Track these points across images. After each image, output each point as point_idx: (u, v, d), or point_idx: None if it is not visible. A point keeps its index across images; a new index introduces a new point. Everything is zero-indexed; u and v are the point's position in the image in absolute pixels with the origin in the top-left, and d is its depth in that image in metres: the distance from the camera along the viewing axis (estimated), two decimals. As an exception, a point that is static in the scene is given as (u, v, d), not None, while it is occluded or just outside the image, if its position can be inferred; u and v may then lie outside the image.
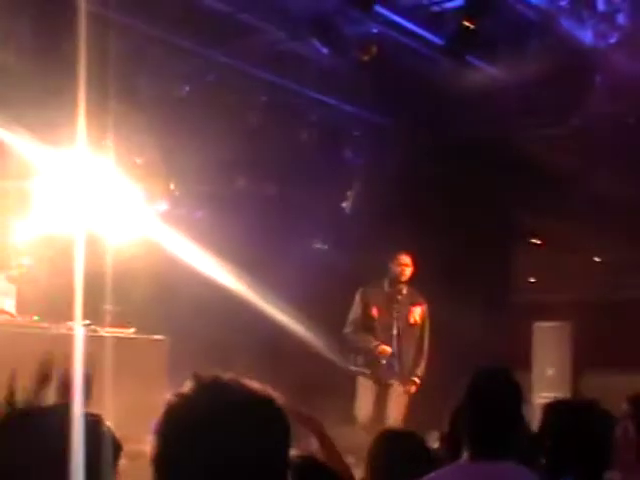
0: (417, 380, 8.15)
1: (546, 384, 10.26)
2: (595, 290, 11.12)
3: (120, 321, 8.00)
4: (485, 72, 8.17)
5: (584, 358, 10.39)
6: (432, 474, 3.26)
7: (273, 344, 8.65)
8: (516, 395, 3.33)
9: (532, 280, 11.84)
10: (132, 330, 8.04)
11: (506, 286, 11.64)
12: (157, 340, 8.07)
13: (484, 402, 3.26)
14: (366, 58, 7.40)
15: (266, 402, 1.61)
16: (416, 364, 8.17)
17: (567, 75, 8.20)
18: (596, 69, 8.04)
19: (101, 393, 7.30)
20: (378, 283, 8.25)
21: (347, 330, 8.18)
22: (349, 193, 9.56)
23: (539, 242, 11.53)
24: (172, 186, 8.81)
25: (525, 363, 10.33)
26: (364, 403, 7.94)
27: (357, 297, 8.24)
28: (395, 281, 8.13)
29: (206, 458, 1.53)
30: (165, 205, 9.09)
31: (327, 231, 8.42)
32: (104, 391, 7.35)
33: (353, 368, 8.05)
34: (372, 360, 8.00)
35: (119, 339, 7.84)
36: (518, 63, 8.11)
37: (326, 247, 8.97)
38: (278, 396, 1.64)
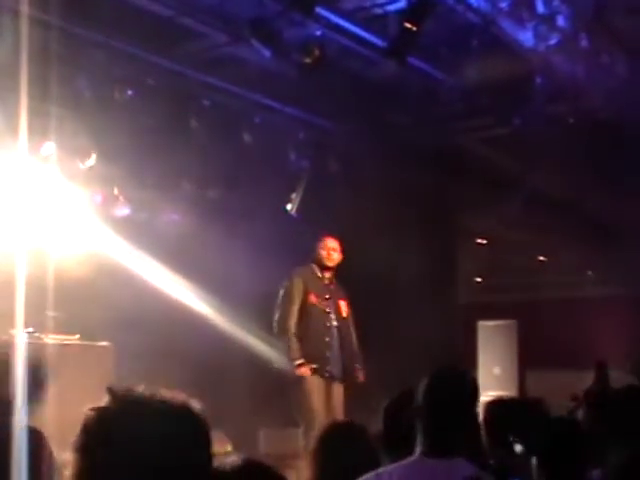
0: (360, 367, 7.90)
1: (493, 383, 10.41)
2: (540, 289, 11.31)
3: (64, 328, 7.97)
4: (428, 74, 8.27)
5: (530, 357, 10.55)
6: (385, 469, 3.35)
7: (218, 350, 8.65)
8: (472, 394, 3.45)
9: (478, 280, 12.00)
10: (76, 337, 8.01)
11: (452, 286, 11.78)
12: (102, 347, 8.05)
13: (440, 401, 3.36)
14: (309, 61, 7.39)
15: (182, 413, 1.62)
16: (356, 357, 7.92)
17: (509, 77, 8.32)
18: (537, 71, 8.16)
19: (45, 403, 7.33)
20: (308, 268, 7.95)
21: (290, 323, 7.69)
22: (293, 195, 9.58)
23: (484, 242, 11.69)
24: (116, 191, 8.79)
25: (471, 362, 10.48)
26: (315, 402, 7.55)
27: (295, 281, 7.82)
28: (323, 266, 7.89)
29: (123, 472, 1.55)
30: (125, 210, 9.10)
31: (272, 234, 8.42)
32: (47, 399, 7.37)
33: (297, 362, 7.57)
34: (317, 353, 7.67)
35: (63, 346, 7.81)
36: (460, 65, 8.23)
37: (270, 250, 8.97)
38: (198, 406, 1.65)
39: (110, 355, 7.99)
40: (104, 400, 1.62)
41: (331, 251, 7.90)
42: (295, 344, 7.62)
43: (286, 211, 9.61)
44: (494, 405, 4.88)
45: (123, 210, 8.86)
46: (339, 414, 7.55)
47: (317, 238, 8.01)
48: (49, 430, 7.09)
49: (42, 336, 7.82)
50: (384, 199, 9.72)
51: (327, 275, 7.93)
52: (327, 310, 7.82)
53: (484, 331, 10.85)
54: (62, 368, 7.59)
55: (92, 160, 8.11)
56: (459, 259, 11.97)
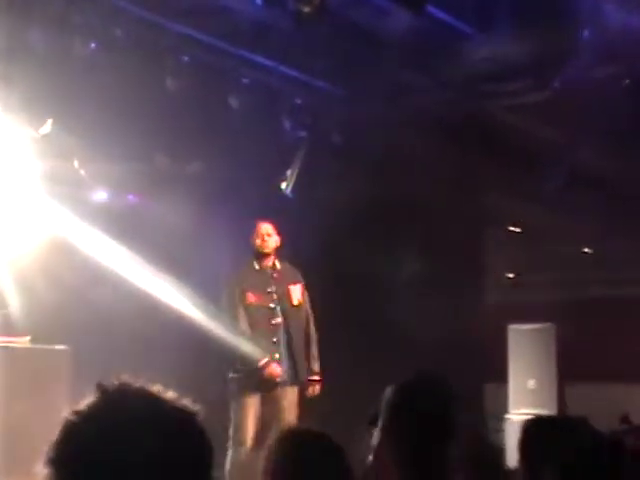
0: (318, 378, 8.15)
1: (526, 398, 10.34)
2: (584, 287, 11.25)
3: (13, 329, 7.94)
4: (449, 27, 8.22)
5: (570, 367, 10.48)
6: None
7: (197, 356, 8.64)
8: (446, 408, 3.38)
9: (509, 275, 11.95)
10: (27, 339, 7.98)
11: (478, 282, 11.74)
12: (57, 350, 8.01)
13: (409, 420, 3.33)
14: (307, 10, 7.36)
15: (180, 413, 1.66)
16: (311, 358, 8.17)
17: (548, 31, 8.26)
18: (583, 22, 8.10)
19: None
20: (246, 265, 8.22)
21: (242, 326, 7.99)
22: (289, 172, 9.55)
23: (517, 230, 11.64)
24: (76, 164, 8.75)
25: (500, 374, 10.41)
26: (249, 418, 7.85)
27: (229, 286, 8.13)
28: (260, 254, 8.15)
29: None
30: (102, 195, 9.09)
31: (262, 216, 8.40)
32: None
33: (263, 362, 7.86)
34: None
35: (11, 349, 7.78)
36: (489, 16, 8.17)
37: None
38: (194, 407, 1.69)
39: (66, 360, 7.95)
40: (63, 413, 1.62)
41: (265, 237, 8.13)
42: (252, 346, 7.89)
43: (280, 190, 9.57)
44: (532, 425, 4.81)
45: (84, 188, 8.83)
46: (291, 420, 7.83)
47: (314, 222, 8.11)
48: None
49: (-15, 337, 7.79)
50: (395, 177, 9.70)
51: (268, 264, 8.18)
52: (271, 306, 8.07)
53: (516, 336, 10.76)
54: (9, 376, 7.58)
55: (47, 127, 8.07)
56: (487, 250, 11.93)
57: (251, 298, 8.02)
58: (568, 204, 9.89)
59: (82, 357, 7.83)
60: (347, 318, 10.36)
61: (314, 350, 8.22)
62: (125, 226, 8.80)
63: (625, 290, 10.98)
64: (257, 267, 8.16)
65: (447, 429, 3.36)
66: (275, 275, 8.17)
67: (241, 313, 7.99)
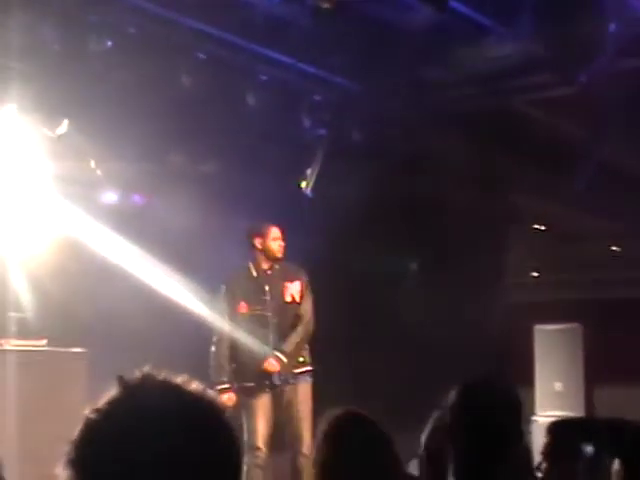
0: (281, 356, 8.09)
1: (553, 401, 10.39)
2: (611, 286, 11.26)
3: (29, 332, 8.03)
4: (470, 21, 8.23)
5: (598, 369, 10.51)
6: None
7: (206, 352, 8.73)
8: (514, 410, 3.43)
9: (534, 274, 11.97)
10: (44, 342, 8.07)
11: (502, 281, 11.75)
12: (75, 353, 8.11)
13: (476, 420, 3.34)
14: (326, 5, 7.41)
15: (207, 409, 1.62)
16: (289, 341, 8.15)
17: (572, 24, 8.27)
18: (610, 15, 8.11)
19: (4, 418, 7.42)
20: (241, 271, 8.24)
21: (223, 343, 8.08)
22: (309, 172, 9.58)
23: (542, 228, 11.65)
24: (93, 164, 8.82)
25: (526, 375, 10.45)
26: (260, 422, 7.95)
27: (224, 292, 8.16)
28: (267, 259, 8.14)
29: None
30: (115, 195, 9.16)
31: (281, 219, 8.41)
32: (8, 416, 7.45)
33: (219, 387, 7.89)
34: (252, 368, 8.01)
35: (29, 354, 7.88)
36: (513, 9, 8.18)
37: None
38: (219, 401, 1.66)
39: (85, 363, 8.05)
40: (81, 416, 1.58)
41: (280, 241, 8.14)
42: (222, 367, 8.01)
43: (299, 189, 9.60)
44: (559, 426, 4.88)
45: (101, 188, 8.92)
46: (306, 417, 7.91)
47: (332, 221, 8.09)
48: (11, 451, 7.18)
49: (1, 341, 7.89)
50: (417, 174, 9.71)
51: (266, 267, 8.17)
52: (265, 314, 8.12)
53: (542, 337, 10.82)
54: (27, 379, 7.68)
55: (63, 127, 8.14)
56: (511, 249, 11.93)
57: (243, 308, 8.07)
58: (595, 202, 9.91)
59: (98, 358, 7.90)
60: (367, 319, 10.42)
61: (293, 337, 8.15)
62: (139, 226, 8.84)
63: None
64: (255, 274, 8.17)
65: (512, 434, 3.41)
66: (271, 274, 8.16)
67: (225, 330, 8.07)
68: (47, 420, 7.39)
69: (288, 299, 8.18)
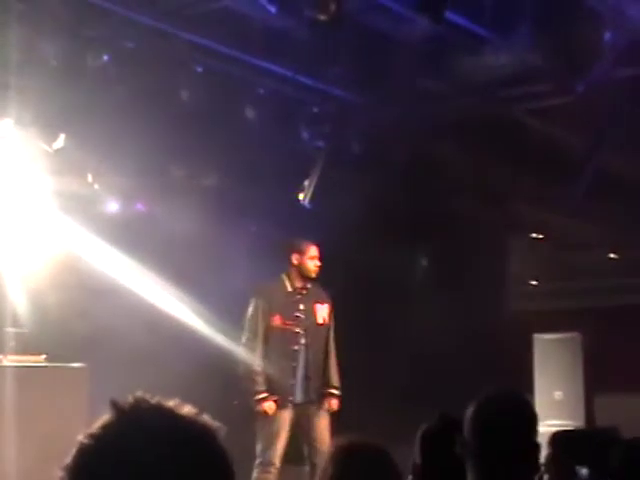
0: (337, 392, 8.23)
1: (553, 410, 10.37)
2: (610, 294, 11.24)
3: (28, 347, 8.00)
4: (468, 32, 8.22)
5: (598, 378, 10.49)
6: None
7: (209, 367, 8.70)
8: (531, 423, 3.41)
9: (533, 283, 11.95)
10: (43, 357, 8.03)
11: (501, 290, 11.74)
12: (75, 368, 8.07)
13: (495, 433, 3.32)
14: (324, 18, 7.38)
15: (200, 432, 1.60)
16: (330, 372, 8.25)
17: (569, 33, 8.27)
18: (606, 24, 8.11)
19: (4, 435, 7.37)
20: (276, 283, 8.23)
21: (256, 353, 8.07)
22: (306, 183, 9.57)
23: (540, 236, 11.64)
24: (90, 178, 8.80)
25: (526, 384, 10.43)
26: (278, 438, 7.95)
27: (257, 303, 8.14)
28: (301, 278, 8.18)
29: None
30: (115, 207, 9.14)
31: (280, 231, 8.40)
32: (7, 433, 7.40)
33: (259, 396, 7.97)
34: (280, 382, 8.02)
35: (28, 369, 7.84)
36: (510, 20, 8.17)
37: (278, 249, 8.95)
38: (217, 427, 1.63)
39: (85, 378, 8.01)
40: (88, 428, 1.56)
41: (316, 260, 8.18)
42: (260, 377, 7.99)
43: (297, 201, 9.59)
44: (562, 437, 4.87)
45: (98, 202, 8.89)
46: (324, 442, 7.90)
47: (333, 233, 8.09)
48: (10, 468, 7.14)
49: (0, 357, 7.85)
50: (416, 185, 9.70)
51: (300, 285, 8.20)
52: (296, 330, 8.14)
53: (542, 346, 10.81)
54: (26, 396, 7.64)
55: (60, 141, 8.13)
56: (510, 257, 11.93)
57: (277, 321, 8.07)
58: (593, 210, 9.90)
59: (98, 374, 7.88)
60: (366, 328, 10.41)
61: (332, 366, 8.28)
62: (138, 241, 8.83)
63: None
64: (289, 288, 8.19)
65: (529, 450, 3.39)
66: (304, 292, 8.19)
67: (260, 340, 8.06)
68: (46, 437, 7.34)
69: (320, 321, 8.25)
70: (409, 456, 4.06)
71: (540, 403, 10.43)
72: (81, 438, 1.56)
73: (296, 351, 8.10)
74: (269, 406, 7.90)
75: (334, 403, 8.21)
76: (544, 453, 5.20)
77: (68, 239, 8.59)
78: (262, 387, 7.93)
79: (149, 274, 8.70)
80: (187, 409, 1.61)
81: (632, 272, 11.18)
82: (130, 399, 1.59)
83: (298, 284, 8.18)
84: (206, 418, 1.61)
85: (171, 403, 1.61)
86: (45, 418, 7.64)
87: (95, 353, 8.32)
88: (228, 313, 8.61)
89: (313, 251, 8.16)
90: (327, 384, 8.23)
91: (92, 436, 1.56)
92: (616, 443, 4.41)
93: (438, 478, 3.84)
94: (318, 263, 8.15)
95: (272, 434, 7.94)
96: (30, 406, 7.64)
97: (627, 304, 10.99)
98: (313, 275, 8.17)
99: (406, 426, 4.51)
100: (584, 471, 4.42)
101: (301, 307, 8.15)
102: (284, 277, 8.21)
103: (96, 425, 1.57)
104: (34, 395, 7.73)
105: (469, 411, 3.38)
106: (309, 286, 8.21)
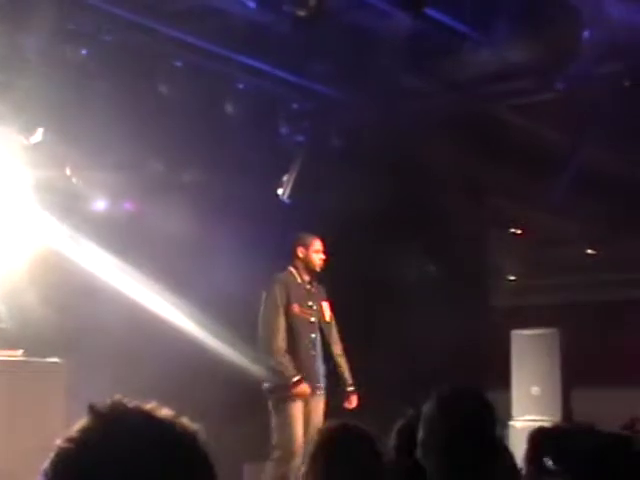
0: (354, 389, 8.26)
1: (531, 405, 10.39)
2: (588, 290, 11.27)
3: (6, 342, 7.96)
4: (449, 29, 8.22)
5: (575, 373, 10.51)
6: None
7: (192, 366, 8.66)
8: (490, 418, 3.41)
9: (511, 278, 11.97)
10: (20, 352, 7.99)
11: (479, 286, 11.75)
12: (51, 363, 8.03)
13: (455, 429, 3.32)
14: (304, 13, 7.37)
15: (179, 434, 1.60)
16: (346, 370, 8.30)
17: (550, 30, 8.28)
18: (585, 22, 8.12)
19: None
20: (288, 274, 8.26)
21: (279, 340, 8.02)
22: (285, 178, 9.56)
23: (519, 232, 11.66)
24: (68, 172, 8.76)
25: (503, 379, 10.45)
26: (299, 429, 7.90)
27: (277, 291, 8.12)
28: (307, 271, 8.23)
29: None
30: (97, 204, 9.09)
31: (260, 225, 8.40)
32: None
33: (295, 379, 7.91)
34: (306, 370, 8.01)
35: (4, 363, 7.80)
36: (490, 17, 8.18)
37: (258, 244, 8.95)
38: (197, 428, 1.63)
39: (62, 374, 7.97)
40: (69, 428, 1.56)
41: (321, 254, 8.24)
42: (288, 361, 7.94)
43: (277, 196, 9.59)
44: (540, 435, 4.90)
45: (78, 198, 8.84)
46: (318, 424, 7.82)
47: (315, 228, 8.11)
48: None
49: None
50: (397, 181, 9.71)
51: (307, 279, 8.27)
52: (311, 320, 8.20)
53: (519, 341, 10.80)
54: (3, 390, 7.60)
55: (38, 135, 8.08)
56: (488, 253, 11.94)
57: (296, 309, 8.09)
58: (571, 206, 9.92)
59: (78, 371, 7.83)
60: (350, 322, 10.41)
61: (345, 363, 8.31)
62: (120, 237, 8.77)
63: (630, 293, 11.00)
64: (299, 280, 8.23)
65: (488, 443, 3.39)
66: (313, 290, 8.28)
67: (280, 327, 8.03)
68: (23, 433, 7.30)
69: (327, 318, 8.32)
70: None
71: (517, 398, 10.47)
72: (59, 442, 1.55)
73: (314, 339, 8.15)
74: (304, 388, 7.89)
75: (354, 399, 8.21)
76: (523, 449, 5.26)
77: (48, 234, 8.53)
78: (294, 371, 7.89)
79: (130, 270, 8.67)
80: (165, 411, 1.60)
81: (610, 268, 11.20)
82: (108, 403, 1.59)
83: (305, 278, 8.24)
84: (185, 420, 1.61)
85: (149, 406, 1.60)
86: (23, 412, 7.59)
87: (75, 350, 8.27)
88: (210, 308, 8.60)
89: (317, 245, 8.22)
90: (346, 383, 8.25)
91: (71, 440, 1.55)
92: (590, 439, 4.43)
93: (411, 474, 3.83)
94: (323, 256, 8.22)
95: (293, 421, 7.87)
96: (8, 399, 7.60)
97: (605, 300, 11.03)
98: (318, 268, 8.24)
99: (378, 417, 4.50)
100: (550, 463, 4.49)
101: (311, 303, 8.23)
102: (292, 269, 8.26)
103: (74, 429, 1.56)
104: (9, 389, 7.68)
105: (424, 412, 3.40)
106: (313, 282, 8.29)
